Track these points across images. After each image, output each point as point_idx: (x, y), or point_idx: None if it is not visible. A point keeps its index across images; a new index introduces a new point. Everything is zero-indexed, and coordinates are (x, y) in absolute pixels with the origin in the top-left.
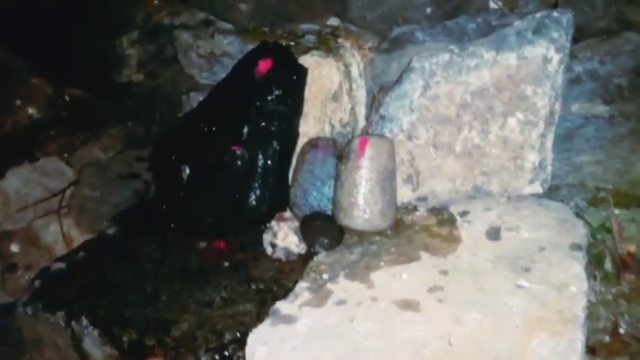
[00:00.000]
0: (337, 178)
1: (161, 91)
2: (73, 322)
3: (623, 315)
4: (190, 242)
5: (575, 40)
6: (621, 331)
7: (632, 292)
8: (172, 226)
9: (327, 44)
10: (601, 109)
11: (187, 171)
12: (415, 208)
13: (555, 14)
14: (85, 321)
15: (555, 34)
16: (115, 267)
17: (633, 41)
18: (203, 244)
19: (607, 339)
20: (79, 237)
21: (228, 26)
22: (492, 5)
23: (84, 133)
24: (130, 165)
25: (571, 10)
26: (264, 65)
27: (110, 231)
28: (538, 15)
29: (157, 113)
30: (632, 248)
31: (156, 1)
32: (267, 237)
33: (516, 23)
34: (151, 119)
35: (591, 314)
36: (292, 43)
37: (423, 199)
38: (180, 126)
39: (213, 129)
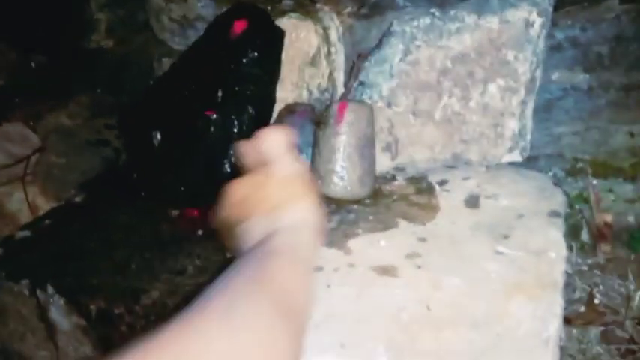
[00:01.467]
0: (315, 144)
1: (132, 58)
2: (38, 291)
3: (598, 285)
4: (162, 211)
5: (556, 7)
6: (596, 301)
7: (607, 263)
8: (143, 194)
9: (304, 8)
10: (581, 77)
11: (158, 137)
12: (394, 178)
13: None
14: (50, 289)
15: None
16: (82, 235)
17: (614, 9)
18: (175, 213)
19: (582, 309)
20: (44, 205)
21: None
22: None
23: (51, 101)
24: (99, 132)
25: None
26: (238, 26)
27: (78, 199)
28: None
29: (128, 80)
30: (608, 218)
31: None
32: None
33: None
34: (121, 86)
35: (567, 284)
36: (269, 7)
37: (401, 168)
38: (151, 91)
39: (186, 93)
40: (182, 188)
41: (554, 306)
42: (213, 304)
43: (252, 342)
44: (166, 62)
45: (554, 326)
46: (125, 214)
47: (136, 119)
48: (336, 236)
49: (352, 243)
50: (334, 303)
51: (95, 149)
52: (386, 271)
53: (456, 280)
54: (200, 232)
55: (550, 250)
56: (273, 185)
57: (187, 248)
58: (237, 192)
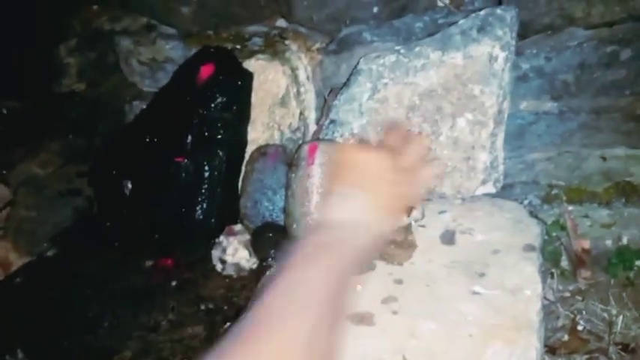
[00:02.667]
0: (288, 186)
1: (103, 101)
2: (7, 356)
3: (580, 312)
4: (135, 262)
5: (521, 36)
6: (579, 327)
7: (588, 289)
8: (116, 244)
9: (273, 47)
10: (549, 105)
11: (130, 186)
12: None
13: (499, 11)
14: (20, 354)
15: (500, 32)
16: (54, 292)
17: (577, 36)
18: (149, 263)
19: (566, 337)
20: (16, 261)
21: (171, 31)
22: (439, 3)
23: (22, 149)
24: (70, 181)
25: (515, 7)
26: (206, 71)
27: (50, 253)
28: (482, 13)
29: (100, 124)
30: (586, 244)
31: (95, 7)
32: (216, 253)
33: (461, 22)
34: (92, 131)
35: (550, 312)
36: (238, 47)
37: None
38: (121, 138)
39: (156, 140)
40: (154, 237)
41: (530, 350)
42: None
43: None
44: (137, 105)
45: None
46: (97, 267)
47: (107, 168)
48: None
49: None
50: None
51: (66, 200)
52: (362, 319)
53: (433, 325)
54: (174, 283)
55: (526, 288)
56: (390, 183)
57: (160, 302)
58: (363, 155)
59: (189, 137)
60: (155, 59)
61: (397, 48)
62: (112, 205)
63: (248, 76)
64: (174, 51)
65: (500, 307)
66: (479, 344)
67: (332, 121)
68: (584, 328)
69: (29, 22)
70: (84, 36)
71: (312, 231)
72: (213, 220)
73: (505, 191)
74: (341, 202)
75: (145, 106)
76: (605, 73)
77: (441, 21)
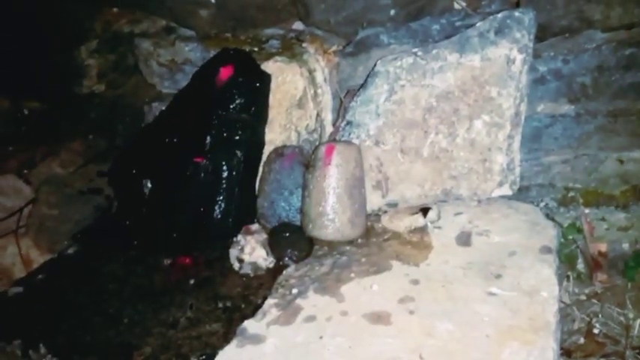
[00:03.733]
0: (305, 187)
1: (123, 102)
2: (30, 351)
3: (597, 315)
4: (154, 260)
5: (539, 38)
6: (595, 331)
7: (604, 292)
8: (135, 243)
9: (291, 49)
10: (566, 108)
11: (149, 185)
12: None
13: (517, 14)
14: (43, 349)
15: (518, 34)
16: (75, 289)
17: (595, 39)
18: (167, 262)
19: (582, 340)
20: (38, 258)
21: (189, 33)
22: (456, 6)
23: (43, 148)
24: (91, 180)
25: (533, 10)
26: (225, 73)
27: (70, 250)
28: (500, 15)
29: (119, 125)
30: (603, 247)
31: (115, 9)
32: (233, 252)
33: (478, 24)
34: (112, 131)
35: (566, 315)
36: (255, 49)
37: (393, 204)
38: (141, 138)
39: (175, 140)
40: (173, 235)
41: (547, 351)
42: None
43: None
44: (156, 106)
45: None
46: (117, 265)
47: (127, 168)
48: (329, 281)
49: (345, 289)
50: (327, 356)
51: (87, 198)
52: (379, 318)
53: (449, 325)
54: (192, 282)
55: (542, 290)
56: None
57: (179, 299)
58: None
59: (208, 138)
60: (174, 61)
61: (414, 50)
62: (132, 204)
63: (266, 78)
64: (193, 53)
65: (516, 309)
66: (496, 345)
67: (348, 123)
68: (601, 331)
69: (50, 25)
70: (104, 38)
71: None
72: (231, 220)
73: (521, 194)
74: None
75: (164, 107)
76: (624, 75)
77: (458, 23)
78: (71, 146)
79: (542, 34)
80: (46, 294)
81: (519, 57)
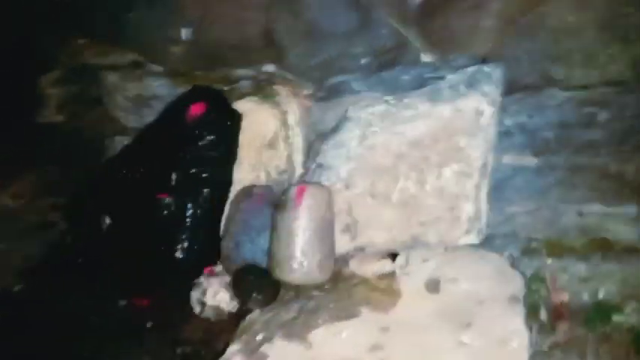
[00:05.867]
0: (273, 228)
1: (83, 134)
2: None
3: None
4: (110, 300)
5: (505, 93)
6: None
7: (567, 342)
8: (90, 281)
9: (262, 91)
10: (530, 160)
11: (107, 221)
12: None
13: (486, 69)
14: None
15: (487, 88)
16: (22, 329)
17: (558, 97)
18: (124, 302)
19: None
20: None
21: (158, 68)
22: (424, 59)
23: None
24: (44, 214)
25: (501, 65)
26: (195, 109)
27: (18, 288)
28: (470, 69)
29: (78, 157)
30: (565, 297)
31: (82, 40)
32: (195, 294)
33: (449, 77)
34: (70, 164)
35: None
36: (226, 88)
37: (361, 249)
38: (102, 172)
39: (138, 175)
40: (132, 274)
41: None
42: None
43: None
44: (119, 140)
45: None
46: (70, 305)
47: (85, 202)
48: (296, 328)
49: (313, 335)
50: None
51: (39, 232)
52: None
53: None
54: (150, 325)
55: (512, 340)
56: None
57: (136, 344)
58: None
59: (174, 174)
60: (141, 95)
61: (387, 98)
62: (88, 241)
63: (237, 117)
64: (161, 88)
65: (487, 358)
66: None
67: (319, 165)
68: None
69: (11, 51)
70: (69, 68)
71: None
72: (193, 260)
73: (486, 242)
74: None
75: (128, 142)
76: (584, 132)
77: (427, 75)
78: (25, 177)
79: (509, 89)
80: None
81: (488, 110)
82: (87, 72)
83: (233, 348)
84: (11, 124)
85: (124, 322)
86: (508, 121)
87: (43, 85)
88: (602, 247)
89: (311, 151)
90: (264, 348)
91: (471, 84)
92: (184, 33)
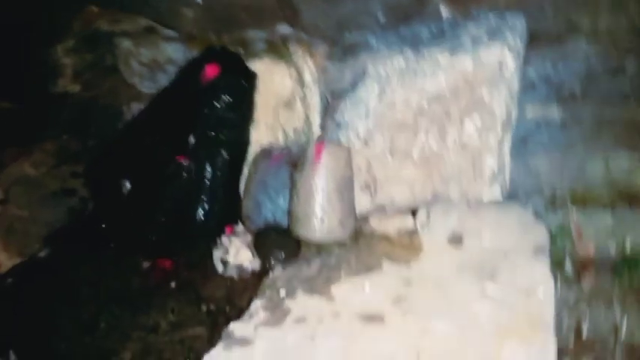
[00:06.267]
0: (292, 187)
1: (100, 102)
2: None
3: (585, 317)
4: (132, 263)
5: (529, 45)
6: (584, 333)
7: (592, 294)
8: (112, 245)
9: (277, 51)
10: (555, 113)
11: (128, 185)
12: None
13: (509, 19)
14: (13, 357)
15: (510, 39)
16: (48, 294)
17: (583, 47)
18: (146, 264)
19: (571, 342)
20: (7, 261)
21: (172, 33)
22: (444, 13)
23: (14, 149)
24: (65, 181)
25: (523, 15)
26: (211, 71)
27: (42, 254)
28: (492, 20)
29: (95, 125)
30: (590, 249)
31: (95, 8)
32: (217, 254)
33: (471, 28)
34: (87, 132)
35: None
36: (241, 49)
37: (381, 207)
38: (120, 137)
39: (156, 139)
40: (153, 237)
41: (547, 349)
42: None
43: None
44: (135, 106)
45: None
46: (92, 268)
47: (104, 167)
48: (318, 283)
49: (335, 289)
50: (321, 357)
51: (60, 199)
52: (372, 318)
53: (446, 325)
54: (173, 285)
55: (538, 289)
56: None
57: (160, 302)
58: None
59: (192, 137)
60: (156, 60)
61: (406, 52)
62: (110, 205)
63: (253, 77)
64: (175, 53)
65: (513, 308)
66: (495, 343)
67: (337, 124)
68: (589, 332)
69: (25, 21)
70: (82, 37)
71: None
72: (214, 221)
73: (510, 197)
74: None
75: (145, 105)
76: (611, 82)
77: (446, 29)
78: (44, 146)
79: (533, 40)
80: (17, 300)
81: (511, 61)
82: (101, 40)
83: (257, 303)
84: (28, 94)
85: (147, 283)
86: (532, 73)
87: (57, 54)
88: (628, 198)
89: (329, 110)
90: (287, 302)
91: (493, 34)
92: None
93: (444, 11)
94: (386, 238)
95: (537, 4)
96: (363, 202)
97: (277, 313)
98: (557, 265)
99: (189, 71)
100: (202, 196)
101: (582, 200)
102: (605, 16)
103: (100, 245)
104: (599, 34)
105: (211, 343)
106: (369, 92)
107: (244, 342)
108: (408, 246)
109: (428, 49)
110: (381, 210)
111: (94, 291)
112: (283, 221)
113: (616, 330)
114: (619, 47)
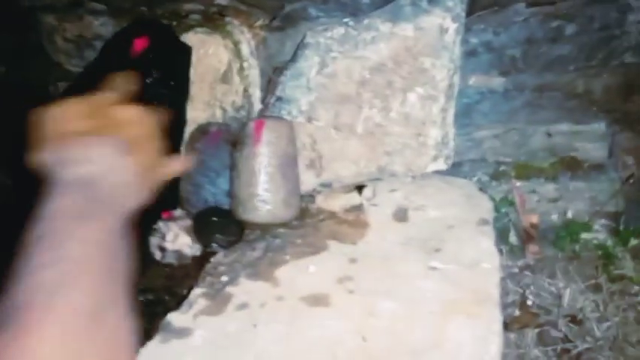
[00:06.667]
0: (233, 167)
1: (28, 84)
2: None
3: (529, 287)
4: None
5: (469, 11)
6: (529, 302)
7: (536, 264)
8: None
9: (213, 22)
10: (497, 81)
11: None
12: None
13: None
14: None
15: (450, 3)
16: None
17: (523, 12)
18: None
19: (517, 312)
20: None
21: (100, 7)
22: None
23: None
24: None
25: None
26: (139, 44)
27: None
28: None
29: (20, 107)
30: (534, 219)
31: None
32: (154, 240)
33: None
34: (11, 115)
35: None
36: (174, 23)
37: (327, 184)
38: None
39: None
40: None
41: (494, 323)
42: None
43: None
44: (63, 85)
45: (495, 346)
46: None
47: (26, 151)
48: (262, 266)
49: (279, 272)
50: (263, 345)
51: None
52: (317, 301)
53: (391, 303)
54: None
55: (483, 262)
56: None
57: None
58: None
59: None
60: (82, 36)
61: (345, 20)
62: (34, 192)
63: (186, 50)
64: (103, 27)
65: (459, 282)
66: (441, 320)
67: (278, 98)
68: (534, 302)
69: None
70: (2, 14)
71: (56, 194)
72: (150, 206)
73: (454, 168)
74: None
75: (68, 85)
76: (551, 48)
77: None
78: None
79: (473, 6)
80: None
81: (453, 26)
82: (22, 16)
83: (197, 291)
84: None
85: None
86: (474, 40)
87: None
88: (570, 166)
89: (270, 84)
90: (229, 289)
91: (433, 0)
92: None
93: None
94: (332, 215)
95: None
96: (308, 180)
97: (218, 301)
98: (502, 236)
99: (116, 45)
100: None
101: (526, 170)
102: None
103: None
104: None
105: (149, 336)
106: (309, 63)
107: (183, 333)
108: (354, 223)
109: (368, 16)
110: (327, 187)
111: None
112: (225, 203)
113: (559, 299)
114: (558, 12)
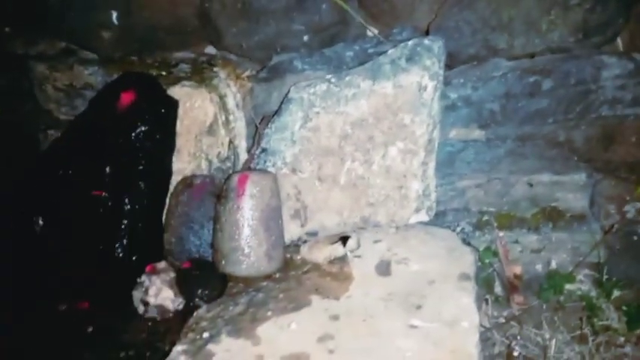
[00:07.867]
0: (216, 220)
1: (16, 130)
2: None
3: (515, 337)
4: (47, 306)
5: (448, 66)
6: (515, 353)
7: (522, 314)
8: (24, 287)
9: (200, 74)
10: (477, 133)
11: (41, 222)
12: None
13: (427, 42)
14: None
15: (428, 62)
16: None
17: (501, 67)
18: (62, 307)
19: None
20: None
21: (90, 56)
22: (369, 33)
23: None
24: None
25: (441, 38)
26: (126, 97)
27: None
28: (410, 43)
29: (13, 155)
30: (518, 270)
31: (7, 29)
32: (137, 294)
33: (390, 51)
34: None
35: (486, 340)
36: (163, 73)
37: (312, 234)
38: (33, 170)
39: (71, 172)
40: (69, 277)
41: None
42: None
43: None
44: (53, 134)
45: None
46: (1, 313)
47: (15, 203)
48: (244, 322)
49: (261, 329)
50: None
51: None
52: None
53: None
54: (91, 329)
55: (463, 320)
56: None
57: (76, 350)
58: None
59: (108, 168)
60: (73, 85)
61: (328, 77)
62: (21, 244)
63: (172, 104)
64: (93, 77)
65: (438, 341)
66: None
67: (263, 150)
68: (520, 353)
69: None
70: None
71: None
72: (133, 258)
73: (438, 219)
74: None
75: (59, 135)
76: (529, 102)
77: (370, 50)
78: None
79: (452, 61)
80: None
81: (431, 84)
82: (15, 63)
83: (178, 348)
84: None
85: (63, 328)
86: (453, 95)
87: None
88: (552, 216)
89: (256, 135)
90: (210, 346)
91: (412, 58)
92: (115, 16)
93: (368, 32)
94: (316, 267)
95: (455, 26)
96: (293, 230)
97: (199, 359)
98: (486, 287)
99: (104, 98)
100: (121, 232)
101: (508, 220)
102: (521, 37)
103: (10, 288)
104: (515, 54)
105: None
106: (293, 117)
107: None
108: (337, 276)
109: (349, 73)
110: (312, 237)
111: (3, 339)
112: (208, 255)
113: (545, 350)
114: (535, 67)
